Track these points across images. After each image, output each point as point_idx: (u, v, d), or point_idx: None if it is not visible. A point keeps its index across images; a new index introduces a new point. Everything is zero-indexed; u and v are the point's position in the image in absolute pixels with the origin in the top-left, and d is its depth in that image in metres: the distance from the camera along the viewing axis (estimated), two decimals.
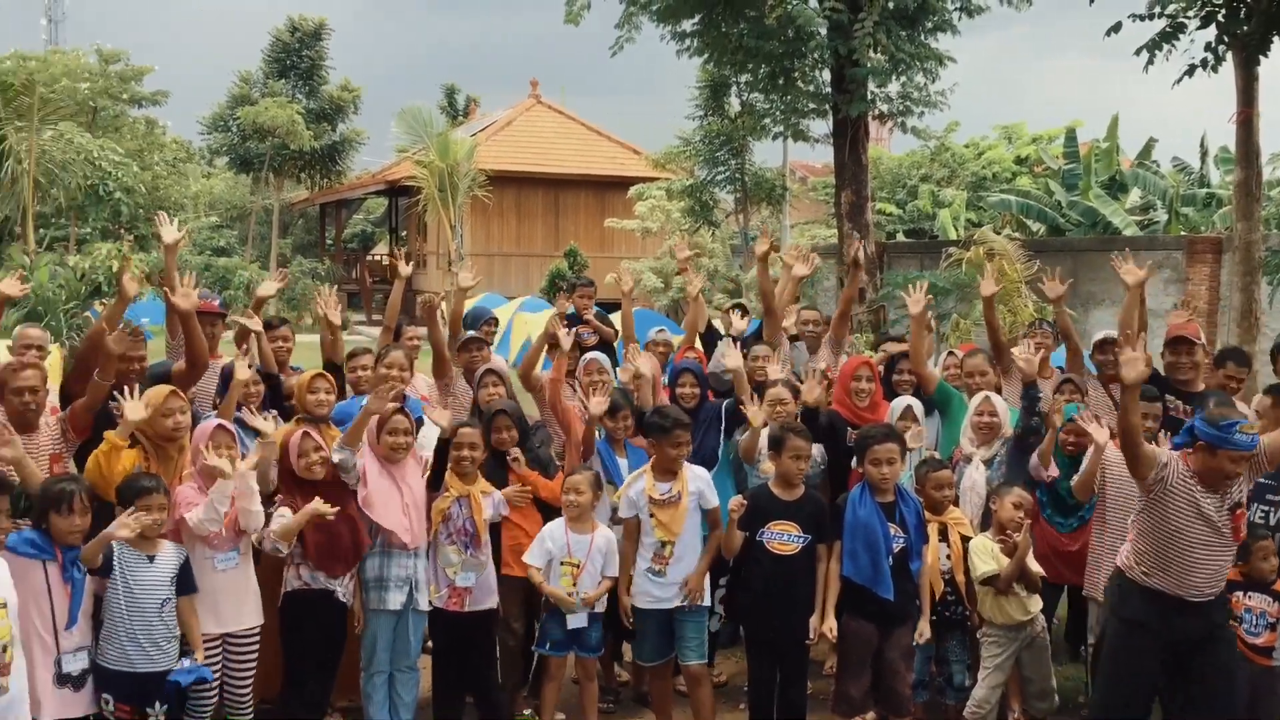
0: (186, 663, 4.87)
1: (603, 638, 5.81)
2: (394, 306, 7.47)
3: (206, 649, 5.01)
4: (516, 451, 5.92)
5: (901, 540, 5.37)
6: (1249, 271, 11.26)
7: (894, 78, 14.89)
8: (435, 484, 5.67)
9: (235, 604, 5.18)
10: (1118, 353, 4.93)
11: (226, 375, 5.97)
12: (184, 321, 6.00)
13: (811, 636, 5.39)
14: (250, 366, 5.91)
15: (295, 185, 39.94)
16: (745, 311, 7.97)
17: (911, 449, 5.90)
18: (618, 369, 6.90)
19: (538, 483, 5.91)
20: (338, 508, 5.24)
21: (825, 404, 6.37)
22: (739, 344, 6.97)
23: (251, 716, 5.34)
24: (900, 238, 24.90)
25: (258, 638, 5.28)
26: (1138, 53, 11.06)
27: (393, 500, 5.49)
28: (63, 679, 4.63)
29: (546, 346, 6.80)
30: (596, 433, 6.12)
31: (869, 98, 15.00)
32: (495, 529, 5.80)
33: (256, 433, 5.80)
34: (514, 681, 5.99)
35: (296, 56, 38.62)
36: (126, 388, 5.33)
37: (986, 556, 5.63)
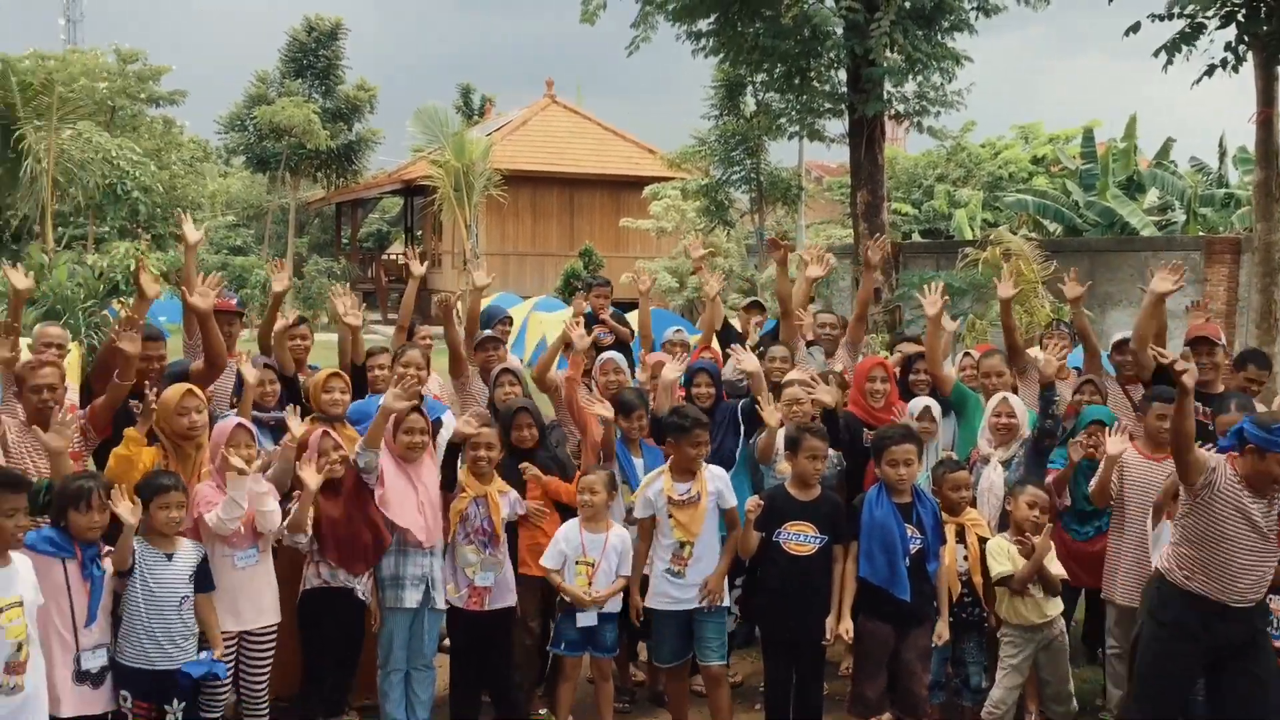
0: (203, 656, 4.88)
1: (618, 638, 5.81)
2: (407, 306, 7.50)
3: (224, 646, 5.03)
4: (533, 471, 5.91)
5: (918, 541, 5.35)
6: (1269, 272, 11.21)
7: (910, 77, 14.85)
8: (447, 485, 5.68)
9: (254, 601, 5.20)
10: (1162, 360, 4.90)
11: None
12: (201, 321, 6.02)
13: (828, 637, 5.38)
14: (256, 367, 5.94)
15: (311, 184, 40.01)
16: (762, 309, 7.97)
17: (929, 445, 5.87)
18: (635, 368, 6.91)
19: (559, 489, 5.90)
20: (319, 479, 5.24)
21: (842, 405, 6.36)
22: (756, 346, 6.96)
23: (267, 713, 5.37)
24: (916, 238, 24.85)
25: (275, 635, 5.30)
26: (1156, 54, 11.02)
27: (409, 499, 5.51)
28: (81, 676, 4.64)
29: (563, 347, 6.81)
30: (615, 433, 6.12)
31: (885, 97, 14.97)
32: (512, 528, 5.81)
33: (274, 432, 5.84)
34: (530, 681, 6.00)
35: (313, 56, 38.69)
36: (147, 388, 5.36)
37: (1002, 557, 5.61)
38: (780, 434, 5.91)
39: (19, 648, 4.14)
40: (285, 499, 5.36)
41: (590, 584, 5.55)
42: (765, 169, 22.37)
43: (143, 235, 22.76)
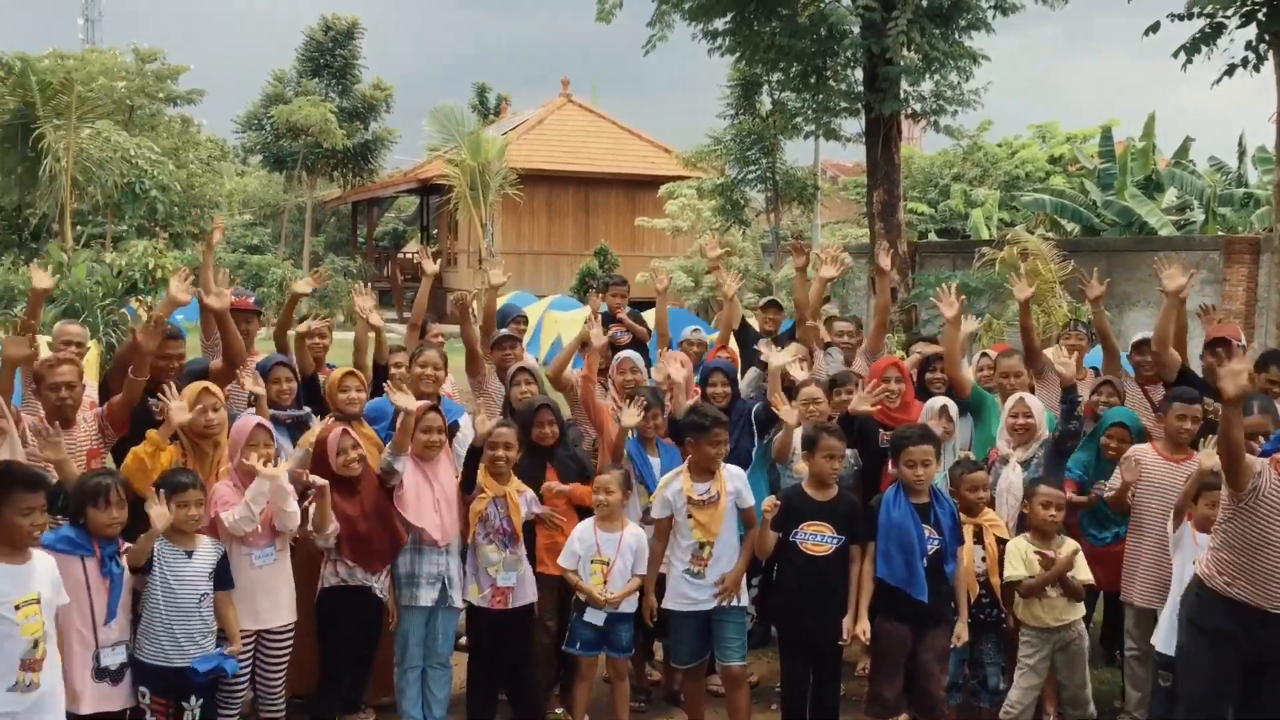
0: (216, 650, 4.90)
1: (633, 637, 5.81)
2: (420, 304, 7.53)
3: (242, 644, 5.05)
4: (557, 487, 5.90)
5: (936, 542, 5.33)
6: None
7: (927, 76, 14.81)
8: (467, 487, 5.69)
9: (271, 600, 5.21)
10: (1214, 364, 4.83)
11: (262, 373, 6.03)
12: (219, 320, 6.04)
13: (844, 638, 5.37)
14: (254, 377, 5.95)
15: (328, 183, 40.18)
16: (779, 309, 7.96)
17: (946, 445, 5.85)
18: (651, 367, 6.90)
19: (582, 495, 5.87)
20: (325, 481, 5.27)
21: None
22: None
23: (283, 711, 5.39)
24: (932, 237, 24.76)
25: (292, 634, 5.31)
26: (1176, 54, 10.96)
27: (425, 497, 5.53)
28: (101, 673, 4.66)
29: (580, 346, 6.81)
30: (629, 433, 6.11)
31: (902, 96, 14.93)
32: (529, 527, 5.81)
33: (291, 430, 5.86)
34: (547, 680, 6.01)
35: (330, 56, 38.84)
36: (165, 385, 5.39)
37: (1017, 560, 5.59)
38: (797, 433, 5.90)
39: (35, 644, 4.14)
40: (300, 498, 5.37)
41: (605, 583, 5.55)
42: (781, 168, 22.31)
43: (160, 234, 22.88)
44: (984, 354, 7.33)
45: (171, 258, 13.43)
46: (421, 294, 7.59)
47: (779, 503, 5.37)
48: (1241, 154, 22.13)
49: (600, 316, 6.91)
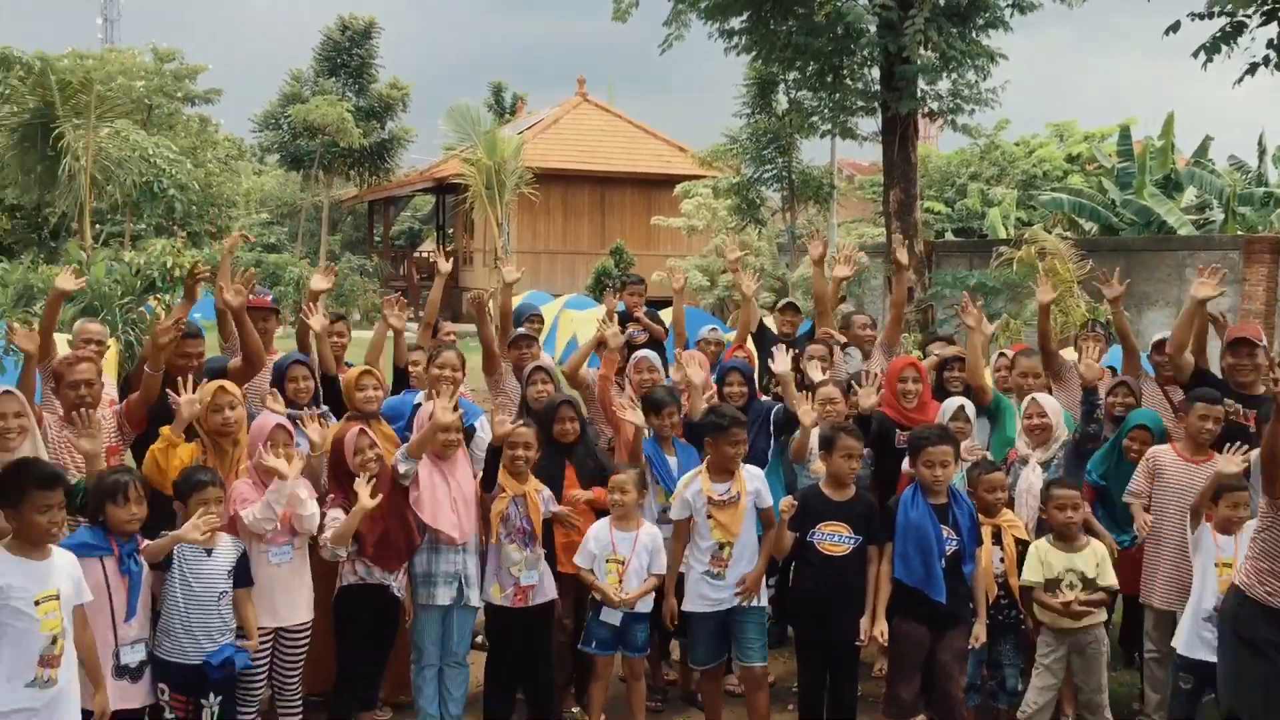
0: (229, 643, 4.91)
1: (649, 637, 5.80)
2: (433, 303, 7.55)
3: (260, 642, 5.07)
4: (581, 495, 5.90)
5: (954, 543, 5.31)
6: None
7: (944, 75, 14.78)
8: (487, 486, 5.69)
9: (289, 598, 5.23)
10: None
11: (279, 371, 6.04)
12: (235, 319, 6.06)
13: (862, 639, 5.35)
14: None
15: (344, 182, 40.30)
16: (797, 311, 7.95)
17: (965, 460, 5.82)
18: (669, 366, 6.90)
19: (605, 500, 5.87)
20: (380, 496, 5.27)
21: (875, 406, 6.32)
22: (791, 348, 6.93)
23: (300, 709, 5.41)
24: (949, 236, 24.68)
25: (309, 632, 5.33)
26: (1196, 54, 10.87)
27: (442, 497, 5.52)
28: (120, 671, 4.67)
29: (596, 345, 6.81)
30: (645, 432, 6.11)
31: (919, 95, 14.89)
32: (547, 525, 5.80)
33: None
34: (563, 679, 6.01)
35: (347, 55, 38.95)
36: (181, 381, 5.41)
37: (1035, 564, 5.55)
38: (814, 433, 5.88)
39: (54, 641, 4.15)
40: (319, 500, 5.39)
41: (620, 582, 5.55)
42: (797, 167, 22.27)
43: (179, 232, 23.01)
44: (1001, 354, 7.30)
45: (189, 256, 13.47)
46: (434, 293, 7.61)
47: (795, 502, 5.36)
48: (1262, 153, 21.98)
49: (617, 315, 6.91)
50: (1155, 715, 5.76)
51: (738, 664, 5.69)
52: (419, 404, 6.07)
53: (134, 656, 4.73)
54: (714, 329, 7.81)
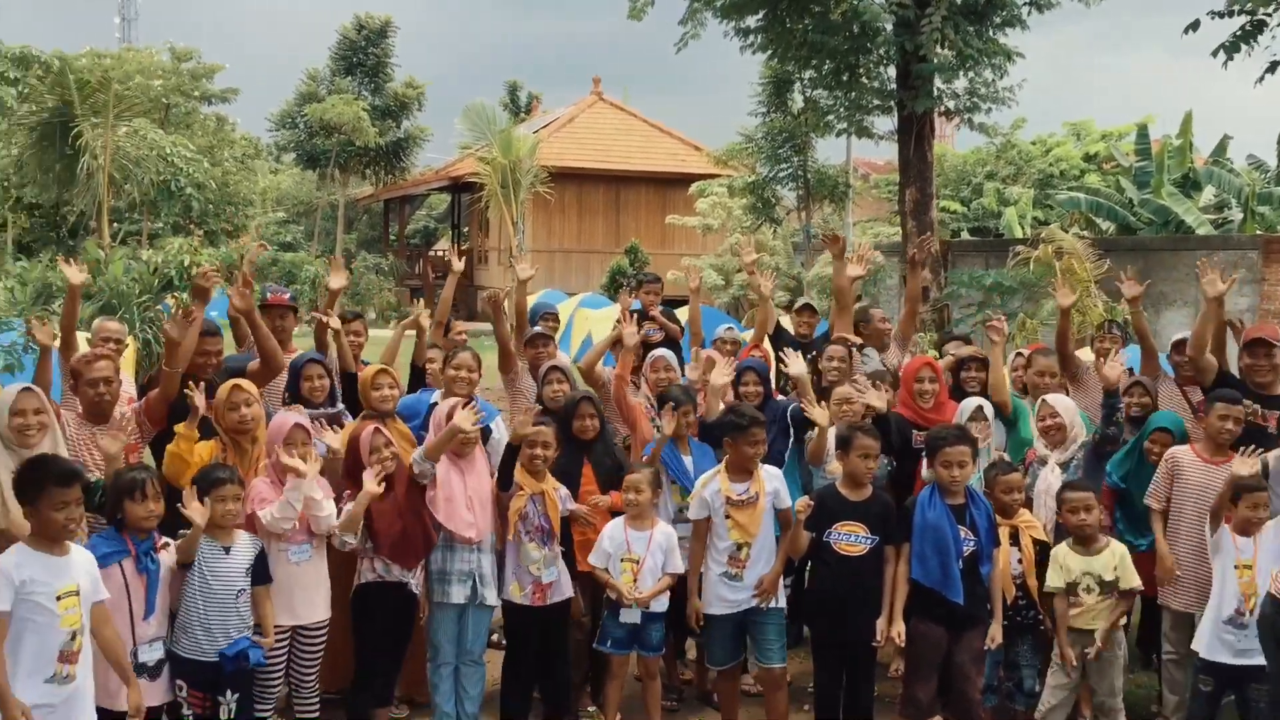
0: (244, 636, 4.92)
1: (664, 636, 5.80)
2: (445, 302, 7.57)
3: (277, 640, 5.09)
4: (601, 501, 5.90)
5: (972, 543, 5.29)
6: None
7: (961, 73, 14.72)
8: (504, 485, 5.70)
9: (307, 596, 5.25)
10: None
11: (295, 369, 6.06)
12: (248, 320, 6.07)
13: (878, 639, 5.34)
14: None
15: (360, 181, 40.42)
16: (814, 312, 7.94)
17: (982, 447, 5.80)
18: (684, 365, 6.90)
19: (618, 504, 5.86)
20: (382, 487, 5.28)
21: (891, 404, 6.29)
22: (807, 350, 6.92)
23: (317, 706, 5.42)
24: (965, 236, 24.59)
25: (326, 630, 5.35)
26: (1215, 53, 10.80)
27: (457, 495, 5.52)
28: (139, 669, 4.67)
29: (612, 344, 6.81)
30: (655, 431, 6.10)
31: (935, 94, 14.83)
32: (564, 524, 5.80)
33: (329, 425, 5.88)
34: (579, 678, 6.01)
35: (363, 54, 39.06)
36: (198, 380, 5.43)
37: (1056, 568, 5.53)
38: (831, 434, 5.87)
39: (73, 637, 4.17)
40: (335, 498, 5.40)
41: (635, 581, 5.54)
42: (812, 166, 22.22)
43: (196, 231, 23.11)
44: (1018, 353, 7.27)
45: (206, 255, 13.54)
46: (446, 291, 7.65)
47: (812, 502, 5.35)
48: None
49: (634, 314, 6.90)
50: (1173, 717, 5.73)
51: (757, 665, 5.68)
52: (434, 403, 6.07)
53: (152, 655, 4.75)
54: (730, 328, 7.80)
